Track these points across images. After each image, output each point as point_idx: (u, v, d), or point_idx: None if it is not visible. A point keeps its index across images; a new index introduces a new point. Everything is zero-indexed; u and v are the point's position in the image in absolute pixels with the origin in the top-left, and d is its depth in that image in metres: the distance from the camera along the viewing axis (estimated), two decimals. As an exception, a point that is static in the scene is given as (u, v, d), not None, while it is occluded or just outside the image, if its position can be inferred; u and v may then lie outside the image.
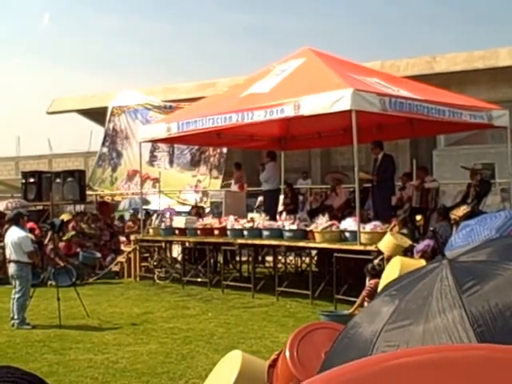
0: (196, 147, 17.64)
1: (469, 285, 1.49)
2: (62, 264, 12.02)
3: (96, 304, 9.96)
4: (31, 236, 10.03)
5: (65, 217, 14.94)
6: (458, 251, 1.94)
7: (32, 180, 16.05)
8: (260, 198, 14.57)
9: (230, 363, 2.76)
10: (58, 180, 15.61)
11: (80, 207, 16.94)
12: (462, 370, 0.96)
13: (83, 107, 24.65)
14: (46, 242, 13.05)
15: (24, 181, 16.24)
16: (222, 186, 16.98)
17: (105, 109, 20.19)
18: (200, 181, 18.02)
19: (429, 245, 7.10)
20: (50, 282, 11.77)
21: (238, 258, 13.35)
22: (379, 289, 7.23)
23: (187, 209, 16.16)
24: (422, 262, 7.20)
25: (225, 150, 17.51)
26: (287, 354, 2.49)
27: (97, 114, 23.19)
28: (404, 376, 0.95)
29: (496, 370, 0.96)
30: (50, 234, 13.11)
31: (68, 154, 27.56)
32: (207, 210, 15.07)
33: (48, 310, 9.34)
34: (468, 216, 8.03)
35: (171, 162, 18.42)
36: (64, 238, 13.45)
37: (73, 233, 13.77)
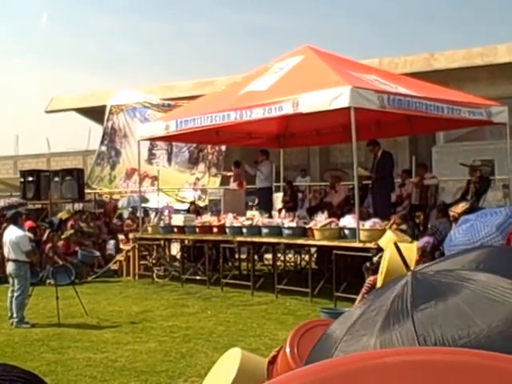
0: (194, 145, 17.63)
1: (423, 300, 1.46)
2: (60, 263, 12.02)
3: (95, 302, 9.94)
4: (30, 235, 10.03)
5: (63, 215, 14.93)
6: (432, 263, 1.92)
7: (30, 179, 16.03)
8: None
9: (230, 361, 2.74)
10: (56, 179, 15.59)
11: (78, 206, 16.92)
12: (437, 374, 0.93)
13: (82, 106, 24.60)
14: (44, 240, 13.02)
15: (22, 180, 16.22)
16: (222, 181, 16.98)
17: (103, 107, 20.16)
18: (198, 179, 18.01)
19: (428, 242, 7.08)
20: (48, 281, 11.75)
21: (236, 256, 13.33)
22: (378, 283, 7.24)
23: (186, 207, 16.15)
24: (414, 247, 7.18)
25: (223, 147, 17.49)
26: (287, 350, 2.46)
27: (95, 113, 23.14)
28: (374, 377, 0.92)
29: (475, 377, 0.93)
30: (48, 232, 13.11)
31: (66, 152, 27.49)
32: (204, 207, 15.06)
33: (47, 309, 9.32)
34: (467, 213, 8.00)
35: (169, 160, 18.41)
36: (63, 237, 13.43)
37: (71, 231, 13.74)
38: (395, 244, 2.27)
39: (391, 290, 1.60)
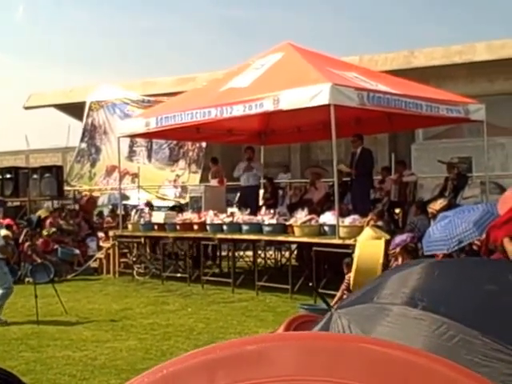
0: (175, 142, 17.56)
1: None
2: (39, 261, 11.89)
3: (74, 301, 9.87)
4: (8, 232, 9.91)
5: (42, 213, 14.79)
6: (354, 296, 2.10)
7: (9, 176, 15.86)
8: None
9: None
10: (35, 176, 15.43)
11: (58, 203, 16.76)
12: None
13: (61, 102, 24.35)
14: (22, 238, 12.88)
15: (0, 177, 16.02)
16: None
17: (83, 103, 19.98)
18: (179, 175, 17.94)
19: (405, 240, 7.15)
20: (27, 279, 11.64)
21: (218, 253, 13.32)
22: (351, 281, 7.33)
23: (166, 203, 16.08)
24: (381, 243, 7.31)
25: (204, 144, 17.44)
26: None
27: (75, 109, 22.91)
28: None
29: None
30: (26, 230, 12.97)
31: (45, 149, 27.20)
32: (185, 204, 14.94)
33: (25, 308, 9.23)
34: (445, 210, 8.10)
35: (149, 157, 18.32)
36: (44, 234, 13.30)
37: (53, 229, 13.61)
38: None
39: (318, 325, 1.77)
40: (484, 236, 7.09)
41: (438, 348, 1.60)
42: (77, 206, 16.73)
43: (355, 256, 6.20)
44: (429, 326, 1.69)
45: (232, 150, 19.14)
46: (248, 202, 12.81)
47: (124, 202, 15.30)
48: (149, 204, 14.77)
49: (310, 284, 6.51)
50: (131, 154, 18.41)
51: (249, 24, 55.41)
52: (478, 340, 1.64)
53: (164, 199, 17.32)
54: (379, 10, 48.80)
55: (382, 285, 2.08)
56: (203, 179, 16.63)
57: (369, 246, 7.01)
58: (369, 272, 6.14)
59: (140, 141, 17.71)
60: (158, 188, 18.14)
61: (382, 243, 7.22)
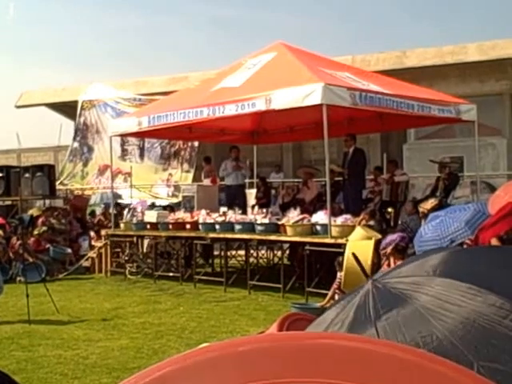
0: (166, 141, 17.56)
1: (385, 309, 1.52)
2: (30, 260, 11.86)
3: (66, 300, 9.85)
4: (-1, 232, 9.90)
5: (34, 212, 14.74)
6: (392, 268, 1.98)
7: (0, 175, 15.78)
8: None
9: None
10: (26, 175, 15.36)
11: (50, 202, 16.70)
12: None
13: (53, 101, 24.26)
14: (14, 237, 12.84)
15: (-8, 175, 15.94)
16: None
17: (75, 103, 19.96)
18: (171, 175, 17.95)
19: (395, 239, 7.19)
20: (18, 278, 11.59)
21: (210, 253, 13.32)
22: (342, 279, 7.37)
23: (160, 202, 16.08)
24: (370, 244, 7.35)
25: (196, 143, 17.46)
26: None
27: (67, 108, 22.87)
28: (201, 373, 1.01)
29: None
30: (19, 229, 12.93)
31: (37, 148, 27.09)
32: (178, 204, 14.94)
33: (17, 307, 9.20)
34: (436, 209, 8.14)
35: (142, 156, 18.32)
36: (35, 233, 13.25)
37: (45, 228, 13.57)
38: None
39: (353, 300, 1.67)
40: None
41: (491, 322, 1.50)
42: (67, 206, 16.67)
43: (345, 256, 6.24)
44: (483, 301, 1.59)
45: (225, 150, 19.13)
46: (237, 201, 12.87)
47: (117, 201, 15.26)
48: (118, 205, 14.77)
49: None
50: (124, 153, 18.41)
51: (242, 24, 55.42)
52: None
53: (157, 198, 17.32)
54: (373, 10, 48.96)
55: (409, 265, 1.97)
56: (196, 178, 16.64)
57: (358, 246, 7.05)
58: (358, 272, 6.14)
59: (132, 140, 17.70)
60: (151, 187, 18.14)
61: (371, 243, 7.25)
